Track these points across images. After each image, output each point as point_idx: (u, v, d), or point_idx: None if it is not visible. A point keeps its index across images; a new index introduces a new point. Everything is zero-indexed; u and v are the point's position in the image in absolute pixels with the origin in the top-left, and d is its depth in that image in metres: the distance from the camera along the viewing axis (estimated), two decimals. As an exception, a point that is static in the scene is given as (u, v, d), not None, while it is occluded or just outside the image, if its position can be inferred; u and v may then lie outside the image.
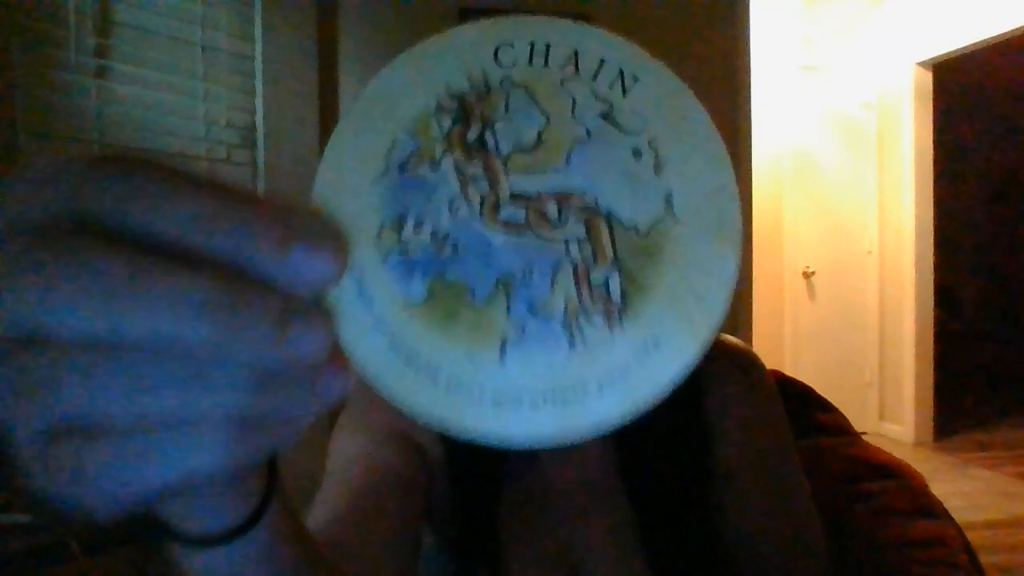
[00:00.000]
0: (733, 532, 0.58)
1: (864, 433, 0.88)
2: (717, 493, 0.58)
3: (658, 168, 0.35)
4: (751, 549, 0.58)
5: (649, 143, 0.36)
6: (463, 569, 0.57)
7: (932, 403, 3.90)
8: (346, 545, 0.46)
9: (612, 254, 0.33)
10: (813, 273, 4.24)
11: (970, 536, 0.77)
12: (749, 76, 2.51)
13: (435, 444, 0.57)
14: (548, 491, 0.58)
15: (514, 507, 0.57)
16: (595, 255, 0.33)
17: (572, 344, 0.31)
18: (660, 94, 0.39)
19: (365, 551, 0.47)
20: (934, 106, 3.82)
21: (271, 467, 0.31)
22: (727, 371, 0.60)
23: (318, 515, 0.50)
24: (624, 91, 0.38)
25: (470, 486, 0.57)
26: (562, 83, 0.38)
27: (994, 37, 3.39)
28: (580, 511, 0.58)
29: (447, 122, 0.36)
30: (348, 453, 0.55)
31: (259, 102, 1.99)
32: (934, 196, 3.83)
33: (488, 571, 0.56)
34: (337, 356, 0.20)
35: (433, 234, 0.33)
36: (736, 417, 0.59)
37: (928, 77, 3.81)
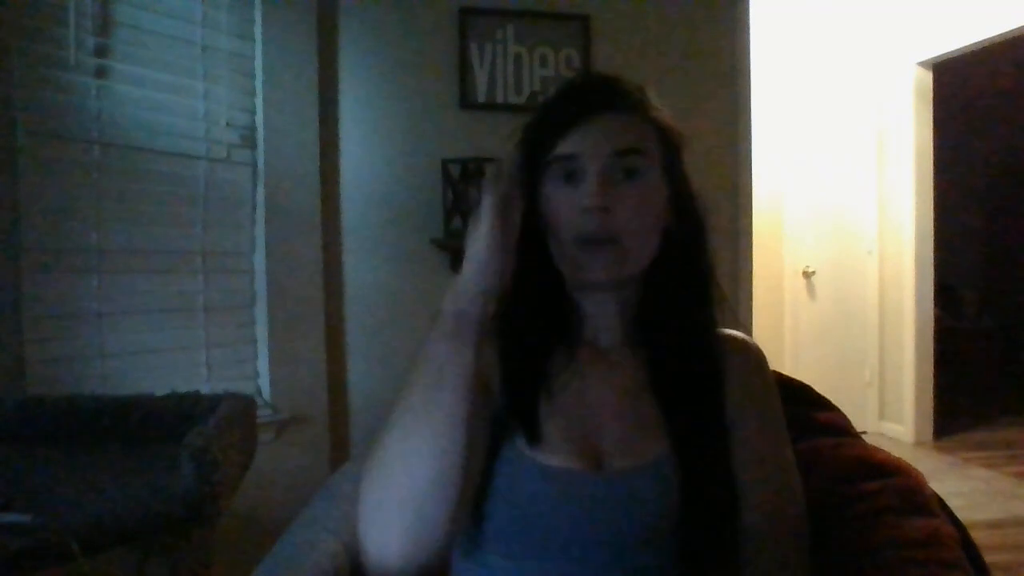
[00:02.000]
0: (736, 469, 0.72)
1: (864, 433, 0.89)
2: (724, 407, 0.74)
3: None
4: (746, 499, 0.71)
5: None
6: (507, 432, 0.71)
7: (932, 403, 3.89)
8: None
9: None
10: (813, 273, 4.24)
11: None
12: (749, 76, 2.51)
13: (496, 372, 0.74)
14: (588, 383, 0.74)
15: (557, 390, 0.73)
16: None
17: None
18: None
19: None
20: (934, 106, 3.82)
21: None
22: (741, 358, 0.77)
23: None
24: None
25: (520, 376, 0.74)
26: None
27: (994, 37, 3.39)
28: (611, 397, 0.74)
29: None
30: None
31: (259, 102, 1.99)
32: (934, 196, 3.83)
33: (526, 433, 0.70)
34: None
35: None
36: (746, 396, 0.75)
37: (928, 77, 3.81)
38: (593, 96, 0.74)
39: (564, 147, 0.72)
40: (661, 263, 0.75)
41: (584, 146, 0.71)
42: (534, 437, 0.70)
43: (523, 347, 0.75)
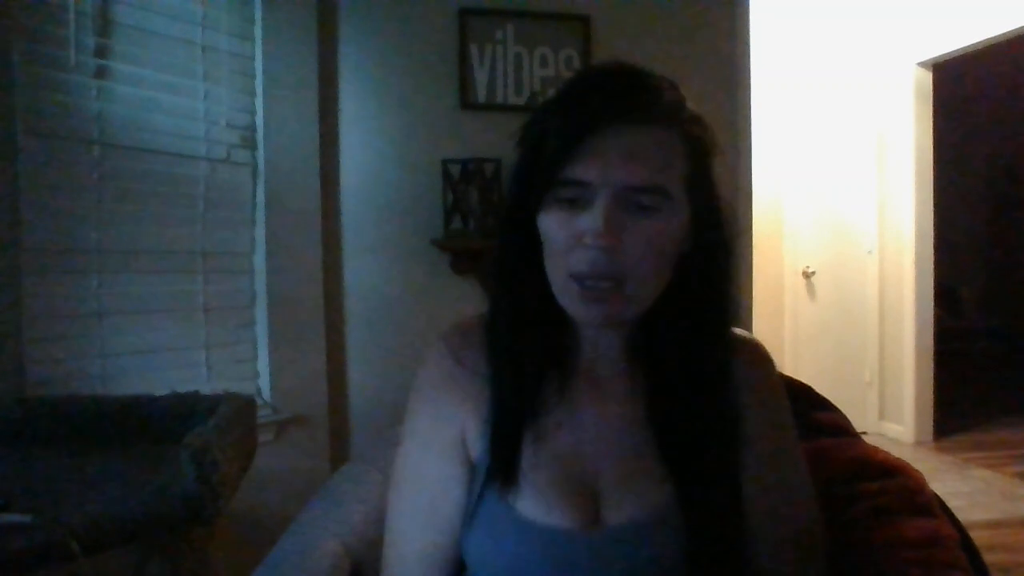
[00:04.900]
0: (746, 486, 0.66)
1: (864, 433, 0.88)
2: (737, 450, 0.67)
3: None
4: (760, 505, 0.66)
5: None
6: (489, 477, 0.64)
7: (932, 403, 3.90)
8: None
9: None
10: (813, 273, 4.24)
11: (970, 536, 0.77)
12: (749, 76, 2.51)
13: (477, 412, 0.67)
14: (584, 419, 0.67)
15: (550, 429, 0.65)
16: None
17: None
18: None
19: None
20: (934, 106, 3.82)
21: None
22: (749, 360, 0.70)
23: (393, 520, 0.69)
24: None
25: (506, 411, 0.65)
26: None
27: (994, 37, 3.39)
28: (608, 435, 0.66)
29: None
30: (404, 471, 0.70)
31: (259, 102, 1.98)
32: (934, 196, 3.83)
33: (502, 481, 0.63)
34: None
35: None
36: (755, 399, 0.68)
37: (928, 77, 3.81)
38: (613, 101, 0.59)
39: (570, 169, 0.59)
40: (674, 288, 0.64)
41: (595, 172, 0.58)
42: (510, 483, 0.63)
43: (513, 378, 0.65)
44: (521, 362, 0.65)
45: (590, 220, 0.59)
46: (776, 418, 0.70)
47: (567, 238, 0.60)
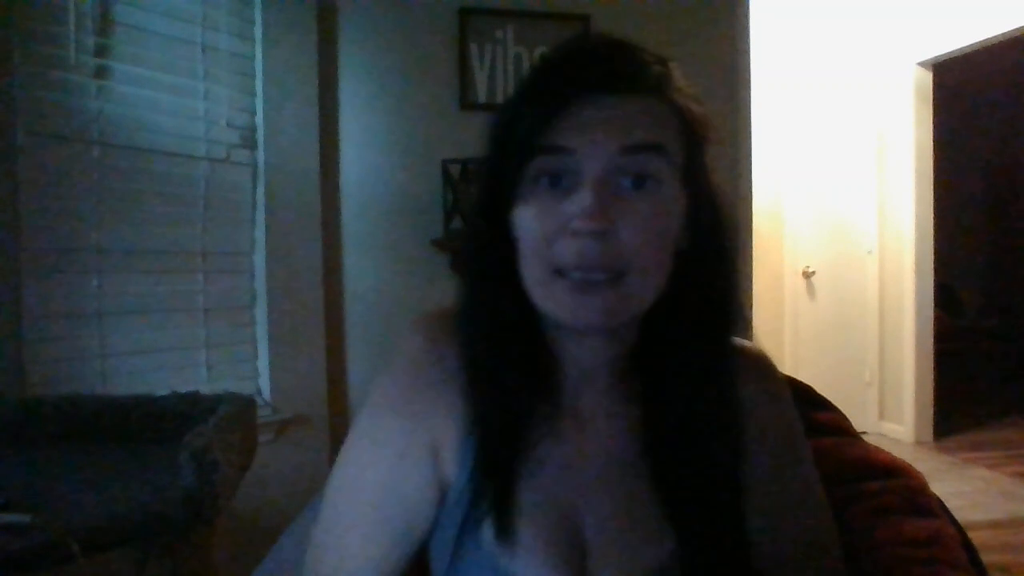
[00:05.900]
0: (754, 518, 0.59)
1: (864, 433, 0.88)
2: (743, 479, 0.59)
3: None
4: (770, 539, 0.59)
5: None
6: (470, 517, 0.56)
7: (932, 403, 3.90)
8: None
9: None
10: (813, 273, 4.24)
11: (969, 536, 0.77)
12: (749, 76, 2.51)
13: (456, 427, 0.58)
14: (569, 457, 0.58)
15: (532, 467, 0.57)
16: None
17: None
18: None
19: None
20: (934, 106, 3.82)
21: None
22: (751, 372, 0.62)
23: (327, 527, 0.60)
24: None
25: (493, 447, 0.57)
26: None
27: (994, 37, 3.39)
28: (596, 478, 0.58)
29: None
30: (361, 474, 0.61)
31: (259, 102, 1.98)
32: (934, 196, 3.83)
33: (496, 520, 0.55)
34: None
35: None
36: (758, 416, 0.60)
37: (928, 77, 3.81)
38: (597, 68, 0.52)
39: (552, 136, 0.51)
40: (670, 294, 0.55)
41: (580, 138, 0.50)
42: (505, 532, 0.55)
43: (499, 408, 0.56)
44: (506, 389, 0.56)
45: (576, 202, 0.50)
46: (787, 439, 0.62)
47: (550, 228, 0.51)
